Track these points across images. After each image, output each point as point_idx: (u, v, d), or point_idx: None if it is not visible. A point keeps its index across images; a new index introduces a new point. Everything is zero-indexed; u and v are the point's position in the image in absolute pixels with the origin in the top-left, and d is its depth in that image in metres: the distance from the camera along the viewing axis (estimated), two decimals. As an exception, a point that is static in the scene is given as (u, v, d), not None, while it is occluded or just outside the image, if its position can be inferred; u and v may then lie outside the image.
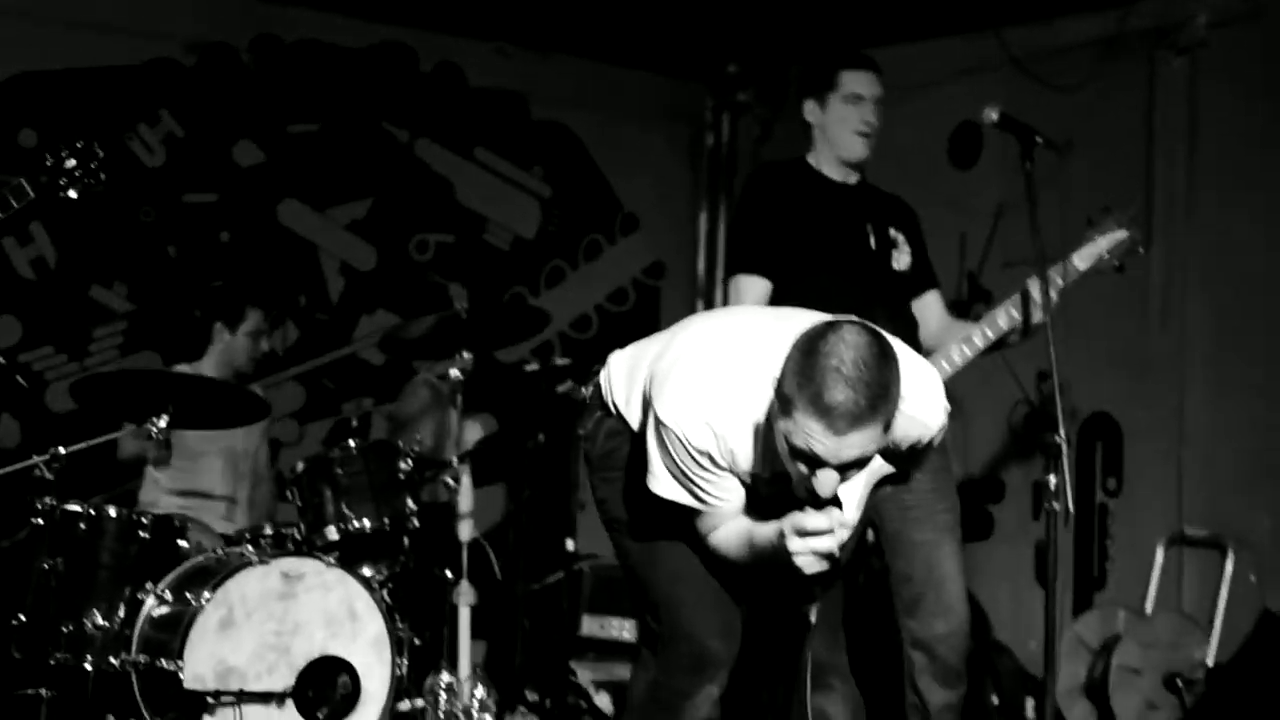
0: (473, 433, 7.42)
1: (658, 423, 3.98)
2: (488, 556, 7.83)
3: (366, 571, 6.40)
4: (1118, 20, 8.06)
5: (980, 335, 5.48)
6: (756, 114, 10.29)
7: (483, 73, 9.63)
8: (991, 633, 8.20)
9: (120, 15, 8.67)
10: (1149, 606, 7.77)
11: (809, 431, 3.62)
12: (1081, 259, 5.50)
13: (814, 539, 3.80)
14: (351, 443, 6.71)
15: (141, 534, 6.25)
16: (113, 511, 6.29)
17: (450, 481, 6.85)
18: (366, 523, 6.55)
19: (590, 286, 10.00)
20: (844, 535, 3.83)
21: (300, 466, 6.66)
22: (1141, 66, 8.12)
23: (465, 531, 6.84)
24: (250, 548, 6.28)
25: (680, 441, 3.95)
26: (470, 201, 9.63)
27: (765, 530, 3.94)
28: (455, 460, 6.87)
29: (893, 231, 5.70)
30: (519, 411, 8.45)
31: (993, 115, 5.30)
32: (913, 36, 8.67)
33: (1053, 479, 4.82)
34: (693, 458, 3.97)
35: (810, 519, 3.77)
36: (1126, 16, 8.03)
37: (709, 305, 10.14)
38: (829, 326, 3.68)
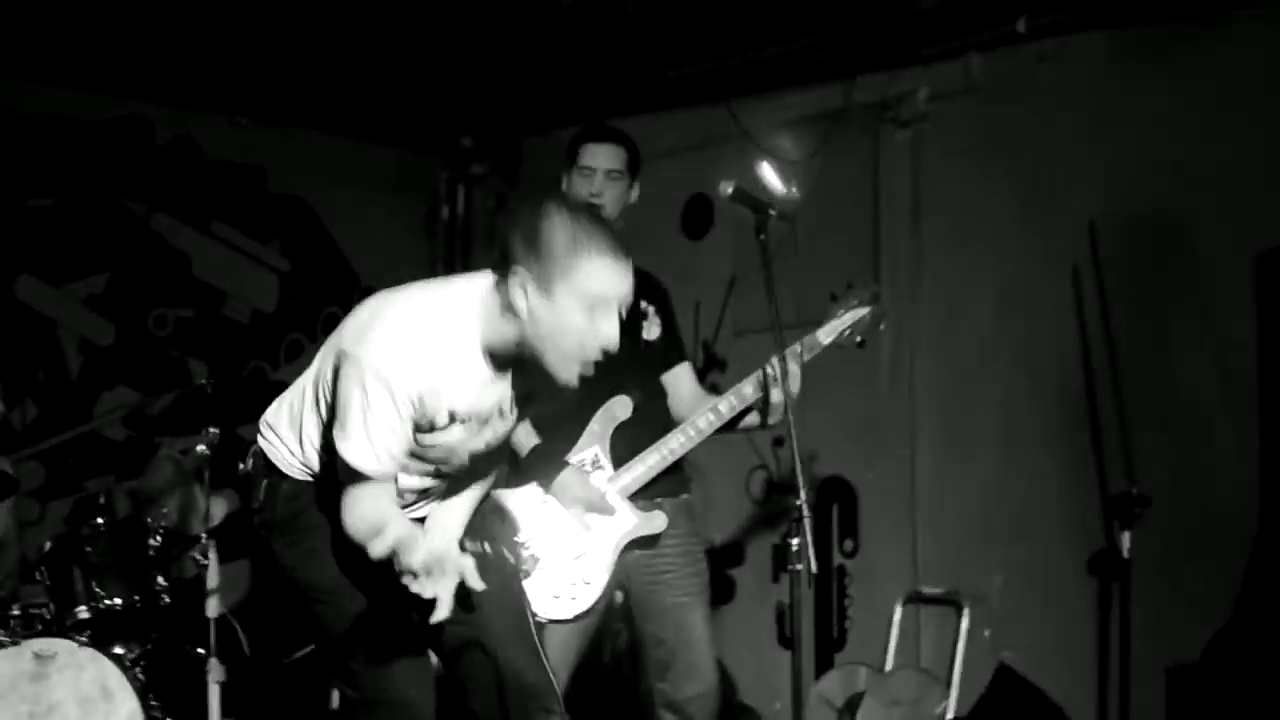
0: (219, 508, 7.37)
1: (363, 372, 4.05)
2: (236, 632, 7.79)
3: (119, 650, 6.36)
4: (843, 94, 8.29)
5: (725, 404, 5.59)
6: (490, 185, 10.40)
7: (219, 146, 9.59)
8: (737, 694, 8.33)
9: None
10: (889, 663, 7.95)
11: (602, 269, 4.01)
12: (825, 333, 5.64)
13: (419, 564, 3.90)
14: (100, 520, 6.66)
15: (-115, 617, 6.16)
16: None
17: (199, 557, 6.82)
18: (117, 600, 6.50)
19: (329, 359, 9.94)
20: (441, 581, 3.91)
21: (48, 545, 6.59)
22: (867, 139, 8.34)
23: (213, 607, 6.80)
24: (-1, 629, 6.22)
25: (386, 386, 4.05)
26: (208, 275, 9.57)
27: (395, 528, 3.98)
28: (204, 535, 6.84)
29: (643, 303, 5.79)
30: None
31: (728, 189, 5.35)
32: (646, 108, 8.80)
33: (795, 541, 4.92)
34: (395, 402, 4.07)
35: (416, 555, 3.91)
36: (851, 90, 8.25)
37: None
38: (555, 205, 4.09)
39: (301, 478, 4.41)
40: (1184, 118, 7.19)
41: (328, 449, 4.25)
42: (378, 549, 3.89)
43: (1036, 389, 7.70)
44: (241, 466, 4.59)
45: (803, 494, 4.93)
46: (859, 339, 5.72)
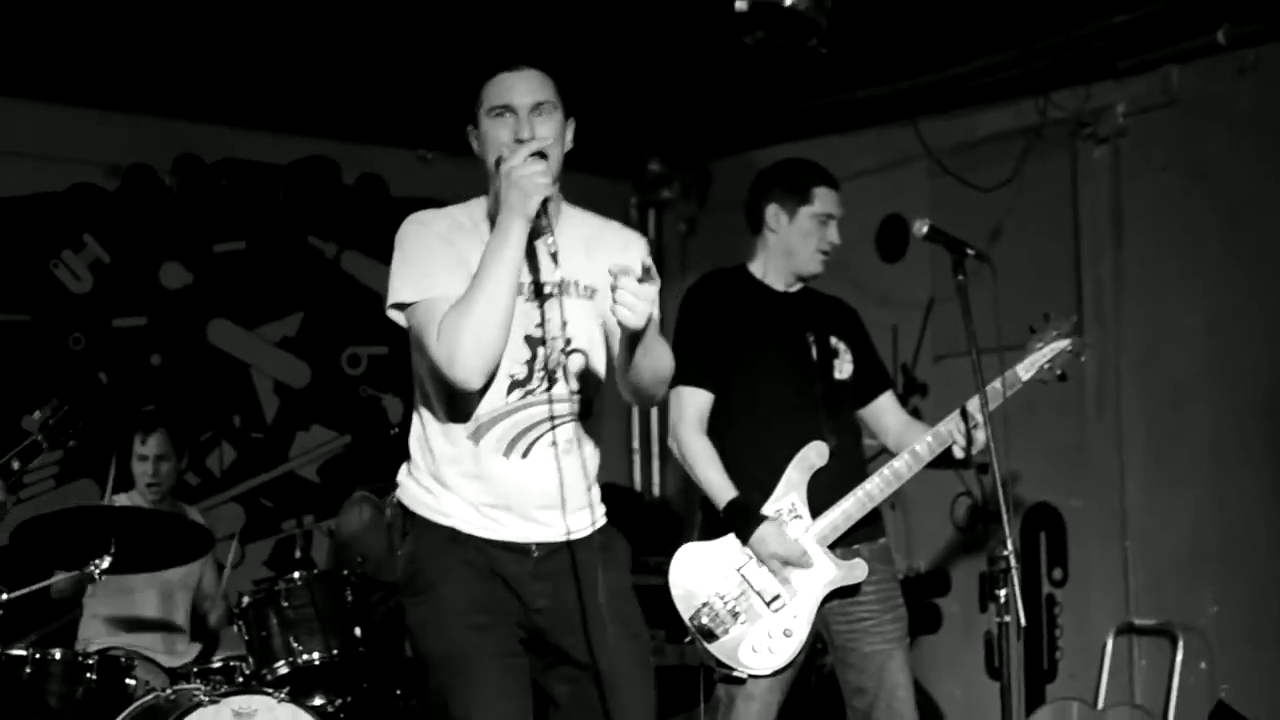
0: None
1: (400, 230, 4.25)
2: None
3: (318, 701, 6.34)
4: (1036, 112, 8.09)
5: (925, 447, 5.50)
6: (680, 210, 10.32)
7: (405, 182, 9.61)
8: (946, 726, 8.23)
9: (40, 142, 8.62)
10: (1101, 699, 7.76)
11: (495, 85, 4.22)
12: (1024, 369, 5.56)
13: (520, 151, 4.06)
14: (296, 575, 6.64)
15: (88, 675, 6.20)
16: (57, 654, 6.24)
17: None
18: (315, 655, 6.46)
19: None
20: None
21: (245, 600, 6.59)
22: (1063, 157, 8.14)
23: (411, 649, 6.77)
24: (200, 685, 6.20)
25: (412, 224, 4.26)
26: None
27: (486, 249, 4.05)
28: (401, 580, 6.80)
29: (834, 340, 5.70)
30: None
31: (922, 229, 5.28)
32: (836, 129, 8.70)
33: (1003, 593, 4.80)
34: (427, 233, 4.21)
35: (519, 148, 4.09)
36: (1045, 108, 8.05)
37: (643, 412, 10.11)
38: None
39: (428, 514, 4.28)
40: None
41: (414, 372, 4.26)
42: (481, 296, 3.99)
43: (1248, 412, 7.44)
44: (387, 513, 4.51)
45: (1009, 545, 4.82)
46: (1059, 372, 5.64)
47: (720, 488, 5.42)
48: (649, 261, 3.95)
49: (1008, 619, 4.83)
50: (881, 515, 5.70)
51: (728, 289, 5.73)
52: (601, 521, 4.40)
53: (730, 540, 5.42)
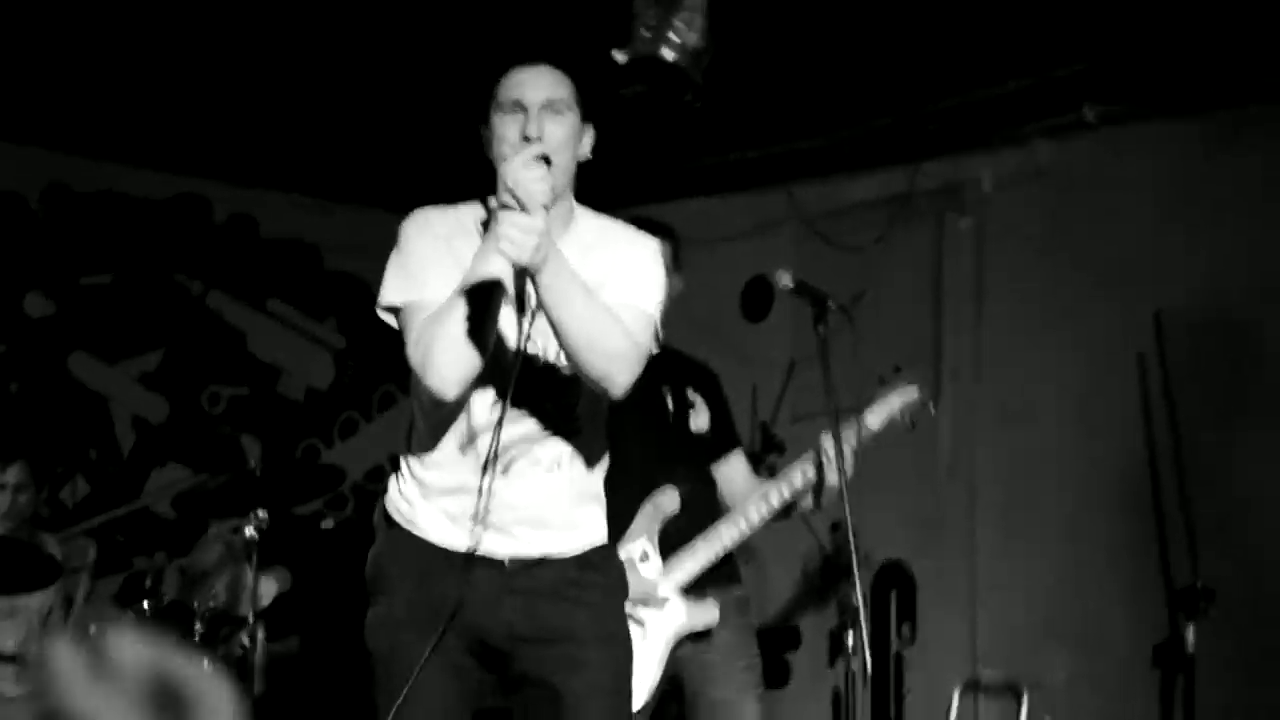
0: (268, 588, 7.33)
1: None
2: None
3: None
4: (906, 180, 8.22)
5: (776, 493, 5.52)
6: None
7: (277, 224, 9.60)
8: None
9: (-94, 164, 8.55)
10: (947, 754, 7.82)
11: (509, 80, 4.06)
12: (874, 418, 5.58)
13: (522, 152, 3.82)
14: (145, 604, 6.60)
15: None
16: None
17: (245, 639, 6.77)
18: (161, 685, 6.40)
19: (384, 437, 9.93)
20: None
21: (93, 630, 6.53)
22: (929, 226, 8.27)
23: (260, 688, 6.77)
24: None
25: (411, 224, 4.11)
26: (263, 353, 9.57)
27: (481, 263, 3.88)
28: (251, 616, 6.79)
29: (690, 393, 5.74)
30: (314, 565, 8.37)
31: (786, 280, 5.36)
32: (704, 191, 8.77)
33: (850, 638, 4.86)
34: (425, 234, 4.08)
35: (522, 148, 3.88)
36: (914, 176, 8.18)
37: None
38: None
39: (403, 524, 4.21)
40: (1257, 208, 7.10)
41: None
42: (457, 307, 3.83)
43: (1100, 480, 7.57)
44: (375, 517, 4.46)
45: (858, 592, 4.88)
46: (909, 422, 5.68)
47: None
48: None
49: (854, 666, 4.88)
50: (736, 563, 5.74)
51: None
52: (597, 543, 4.29)
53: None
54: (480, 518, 4.04)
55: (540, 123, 4.00)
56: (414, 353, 3.91)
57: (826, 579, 8.45)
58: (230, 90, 8.09)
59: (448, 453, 4.11)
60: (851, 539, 4.92)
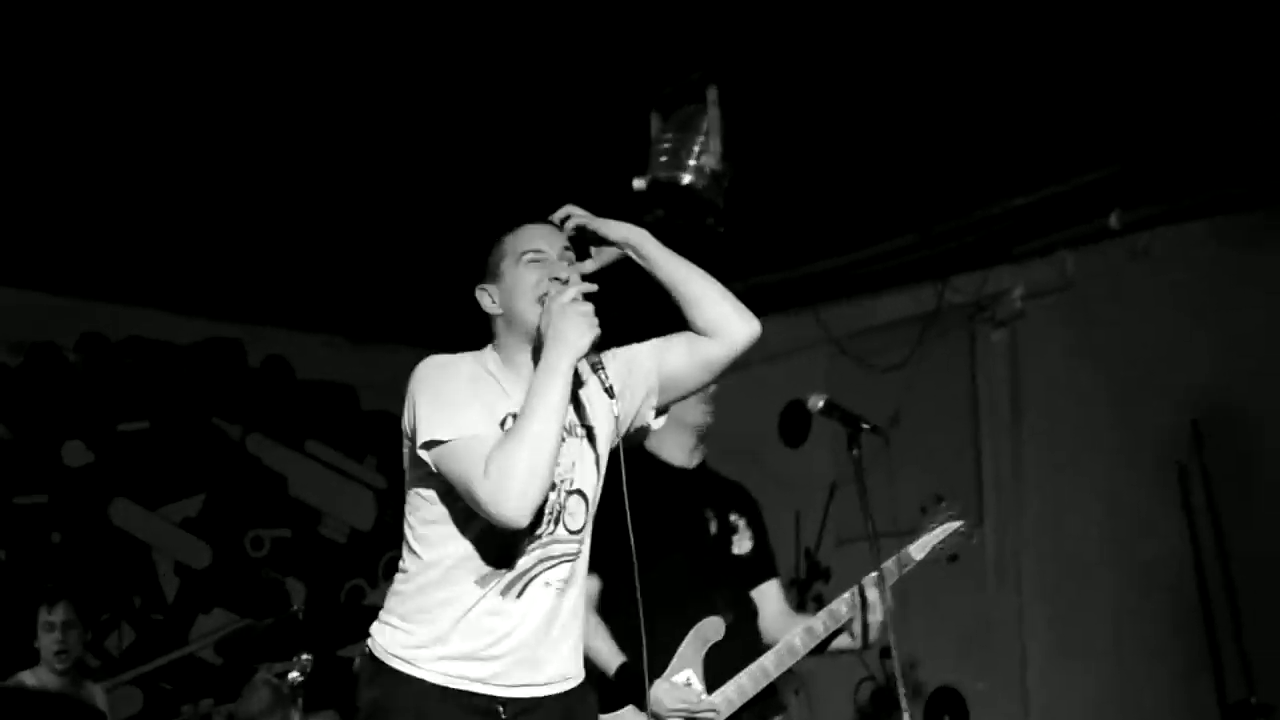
0: (315, 732, 7.28)
1: (416, 380, 4.12)
2: None
3: None
4: (935, 297, 8.19)
5: (820, 623, 5.48)
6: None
7: (311, 365, 9.62)
8: None
9: (-61, 318, 8.60)
10: None
11: (526, 235, 4.24)
12: (917, 550, 5.56)
13: (569, 289, 4.04)
14: (190, 752, 6.57)
15: None
16: None
17: (294, 784, 6.73)
18: (211, 836, 6.38)
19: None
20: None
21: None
22: (961, 340, 8.23)
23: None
24: None
25: (438, 368, 4.15)
26: (304, 495, 9.56)
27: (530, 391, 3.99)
28: (299, 762, 6.74)
29: (733, 516, 5.70)
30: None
31: (818, 404, 5.34)
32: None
33: (902, 770, 4.81)
34: (455, 377, 4.12)
35: (565, 287, 4.07)
36: (943, 293, 8.15)
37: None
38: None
39: (398, 665, 4.20)
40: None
41: (421, 491, 4.18)
42: (534, 425, 3.92)
43: (1147, 592, 7.48)
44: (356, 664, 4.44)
45: (904, 707, 4.83)
46: (951, 553, 5.66)
47: (608, 657, 5.36)
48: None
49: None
50: (779, 692, 5.69)
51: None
52: (581, 675, 4.34)
53: (629, 711, 5.38)
54: (496, 650, 4.11)
55: (571, 269, 4.21)
56: (485, 484, 3.91)
57: (878, 707, 8.36)
58: (257, 235, 8.15)
59: (469, 588, 4.12)
60: (896, 661, 4.87)
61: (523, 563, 4.11)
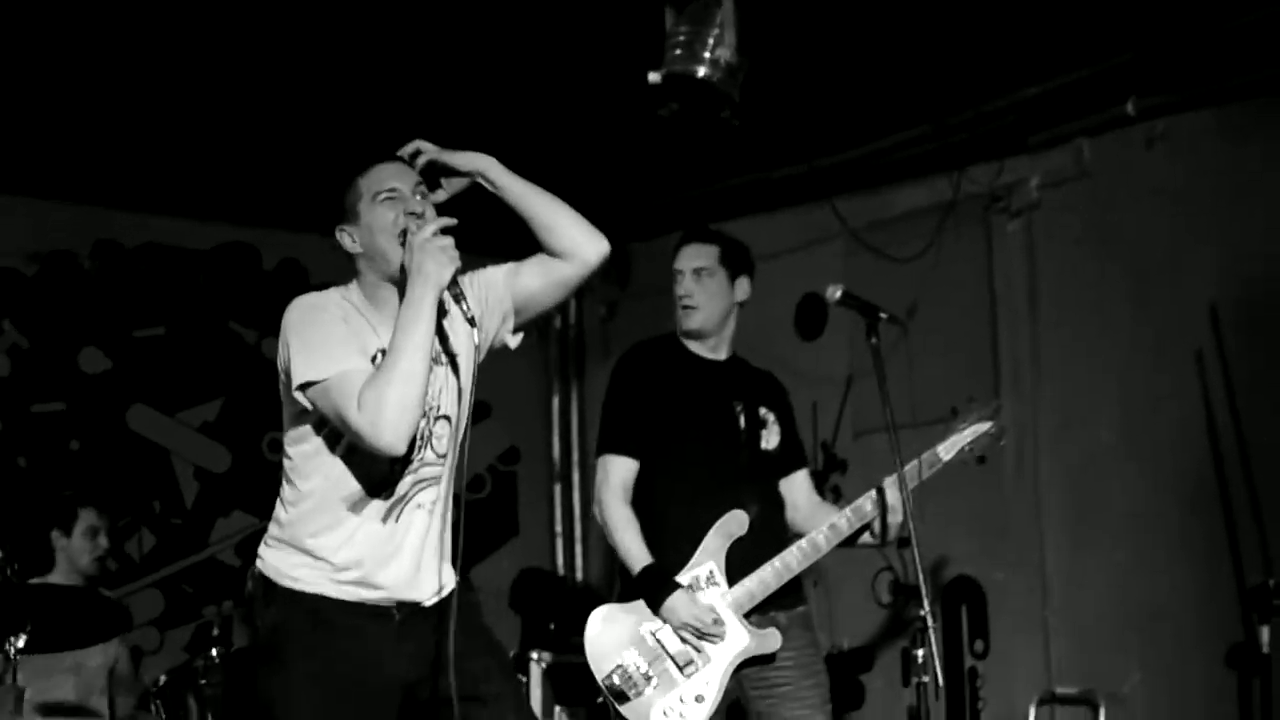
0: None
1: (288, 317, 4.41)
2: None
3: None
4: (951, 187, 8.15)
5: (845, 521, 5.54)
6: (601, 294, 10.29)
7: (325, 267, 9.57)
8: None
9: (-46, 228, 8.59)
10: (1024, 769, 7.74)
11: (378, 175, 4.45)
12: (945, 449, 5.61)
13: (428, 225, 4.23)
14: (214, 651, 6.60)
15: (1, 760, 6.11)
16: (-29, 738, 6.15)
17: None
18: (234, 732, 6.42)
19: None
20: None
21: (163, 679, 6.54)
22: (978, 231, 8.19)
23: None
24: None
25: (309, 305, 4.42)
26: (321, 397, 9.55)
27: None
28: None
29: (763, 410, 5.76)
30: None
31: (835, 294, 5.37)
32: (752, 210, 8.73)
33: (921, 653, 4.84)
34: (326, 314, 4.36)
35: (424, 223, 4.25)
36: (959, 183, 8.12)
37: (566, 487, 10.10)
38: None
39: (290, 584, 4.30)
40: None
41: (296, 426, 4.41)
42: (400, 365, 4.08)
43: (1165, 480, 7.46)
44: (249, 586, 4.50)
45: (926, 605, 4.86)
46: (979, 455, 5.72)
47: (637, 554, 5.43)
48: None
49: (926, 679, 4.86)
50: (802, 584, 5.72)
51: (656, 358, 5.77)
52: (454, 580, 4.46)
53: (640, 605, 5.44)
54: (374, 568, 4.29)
55: (425, 204, 4.41)
56: (361, 417, 4.07)
57: (897, 598, 8.40)
58: (270, 138, 8.16)
59: (344, 514, 4.29)
60: (919, 563, 4.90)
61: (399, 488, 4.30)
